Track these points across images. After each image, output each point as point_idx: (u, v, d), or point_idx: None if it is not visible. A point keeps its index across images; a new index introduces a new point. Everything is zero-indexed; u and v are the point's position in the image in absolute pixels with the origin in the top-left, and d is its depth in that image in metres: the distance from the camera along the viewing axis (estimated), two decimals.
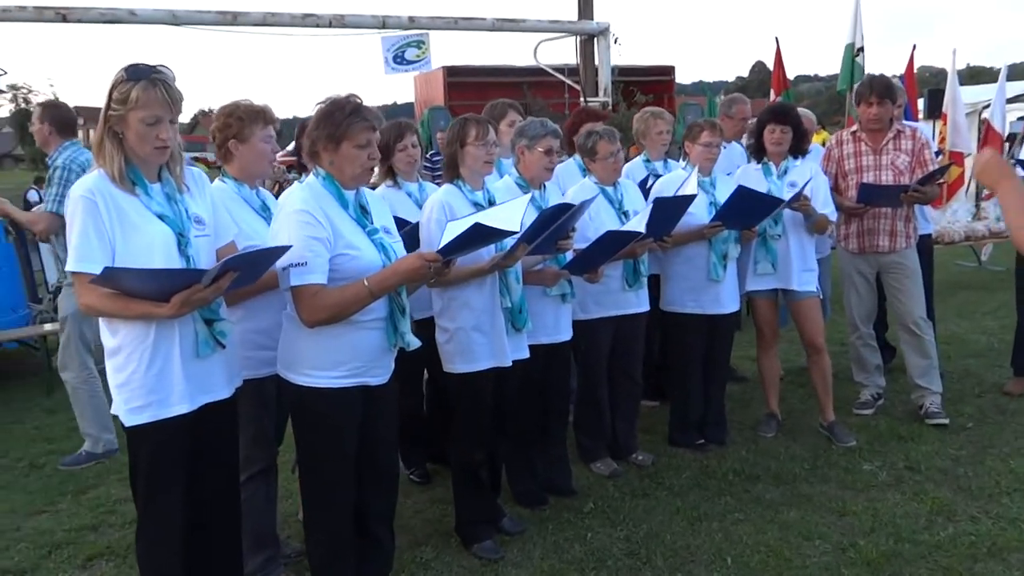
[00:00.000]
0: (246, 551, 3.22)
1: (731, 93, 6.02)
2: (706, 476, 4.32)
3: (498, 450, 3.74)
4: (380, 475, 3.02)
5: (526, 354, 3.59)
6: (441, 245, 2.70)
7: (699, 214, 4.44)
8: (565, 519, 3.89)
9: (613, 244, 3.76)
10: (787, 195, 4.46)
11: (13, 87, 32.63)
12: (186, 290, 2.39)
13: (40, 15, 6.15)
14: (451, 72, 19.08)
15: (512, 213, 2.83)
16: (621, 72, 18.23)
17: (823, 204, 4.65)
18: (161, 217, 2.55)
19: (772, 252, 4.66)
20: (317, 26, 7.02)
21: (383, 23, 7.22)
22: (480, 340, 3.40)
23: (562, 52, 9.30)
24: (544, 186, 3.91)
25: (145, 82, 2.46)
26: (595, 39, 8.14)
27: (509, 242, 3.23)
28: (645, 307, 4.42)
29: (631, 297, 4.34)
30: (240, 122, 3.14)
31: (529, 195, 2.99)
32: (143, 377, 2.53)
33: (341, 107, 2.70)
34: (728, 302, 4.60)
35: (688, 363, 4.67)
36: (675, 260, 4.58)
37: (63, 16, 6.19)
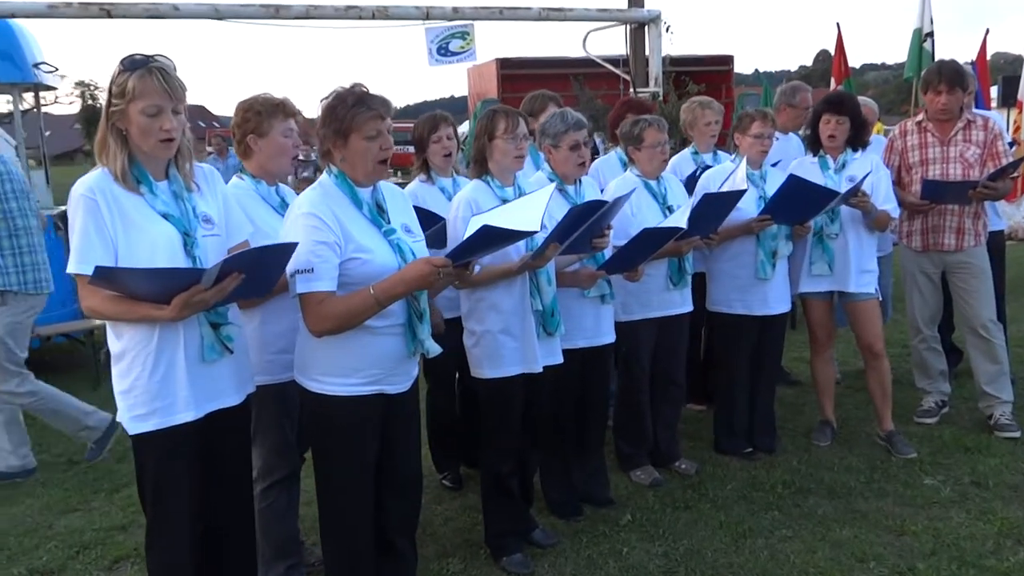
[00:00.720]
0: (269, 559, 3.15)
1: (792, 82, 5.69)
2: (753, 488, 4.08)
3: (530, 459, 3.57)
4: (402, 485, 2.87)
5: (559, 359, 3.41)
6: (450, 249, 2.54)
7: (747, 208, 4.19)
8: (600, 532, 3.70)
9: (651, 242, 3.55)
10: (845, 190, 4.18)
11: (81, 84, 33.57)
12: (186, 292, 2.27)
13: (85, 11, 6.18)
14: (504, 64, 18.92)
15: (532, 210, 2.65)
16: (676, 62, 17.93)
17: (884, 200, 4.35)
18: (166, 216, 2.44)
19: (829, 251, 4.37)
20: (360, 18, 6.91)
21: (427, 14, 7.08)
22: (509, 344, 3.23)
23: (614, 42, 9.06)
24: (579, 181, 3.72)
25: (142, 71, 2.35)
26: (646, 27, 7.86)
27: (541, 240, 3.06)
28: (689, 307, 4.20)
29: (675, 297, 4.12)
30: (258, 116, 3.02)
31: (551, 188, 2.79)
32: (147, 383, 2.42)
33: (344, 99, 2.55)
34: (777, 302, 4.34)
35: (734, 367, 4.43)
36: (721, 257, 4.34)
37: (107, 12, 6.20)
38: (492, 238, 2.60)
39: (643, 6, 7.89)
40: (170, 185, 2.51)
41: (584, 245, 3.22)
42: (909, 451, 4.35)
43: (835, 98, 4.52)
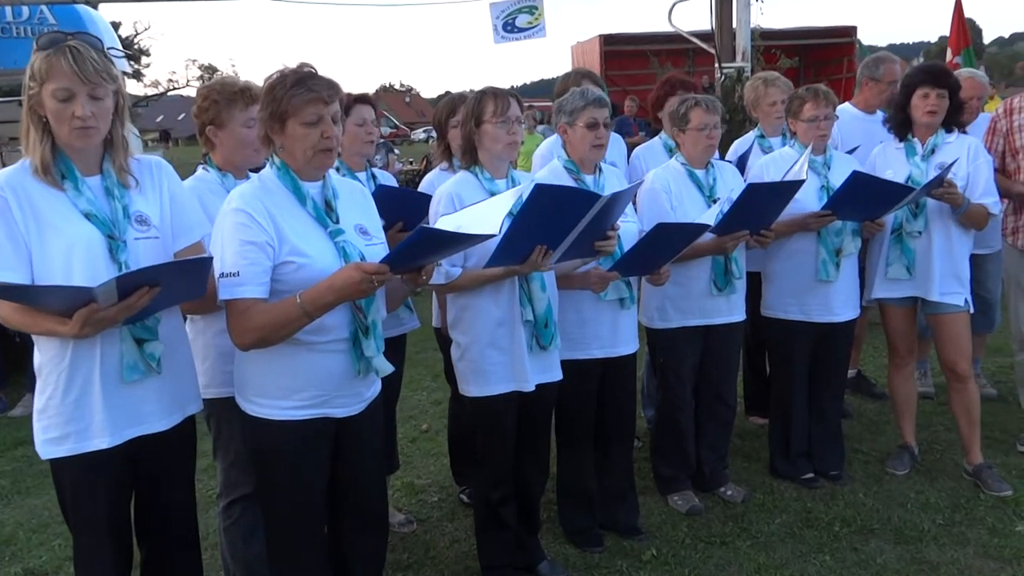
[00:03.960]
0: None
1: (877, 53, 4.98)
2: (805, 523, 3.53)
3: (534, 482, 3.18)
4: (363, 519, 2.55)
5: (557, 376, 2.99)
6: (389, 253, 2.17)
7: (806, 201, 3.61)
8: (617, 567, 3.27)
9: (671, 240, 3.07)
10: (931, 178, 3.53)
11: (206, 68, 34.97)
12: (85, 308, 2.00)
13: None
14: (608, 40, 18.38)
15: (498, 210, 2.25)
16: (788, 35, 16.84)
17: (983, 193, 3.66)
18: (89, 216, 2.18)
19: (909, 252, 3.72)
20: None
21: None
22: (496, 359, 2.84)
23: (703, 15, 8.39)
24: (599, 170, 3.26)
25: (52, 51, 2.09)
26: None
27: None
28: (739, 316, 3.68)
29: (720, 303, 3.61)
30: (216, 105, 2.71)
31: (515, 190, 2.38)
32: (60, 404, 2.18)
33: (284, 80, 2.23)
34: (842, 308, 3.75)
35: (791, 380, 3.87)
36: (776, 256, 3.78)
37: None
38: (440, 242, 2.23)
39: None
40: (103, 180, 2.25)
41: (585, 248, 2.77)
42: (1003, 488, 3.69)
43: (935, 68, 3.83)
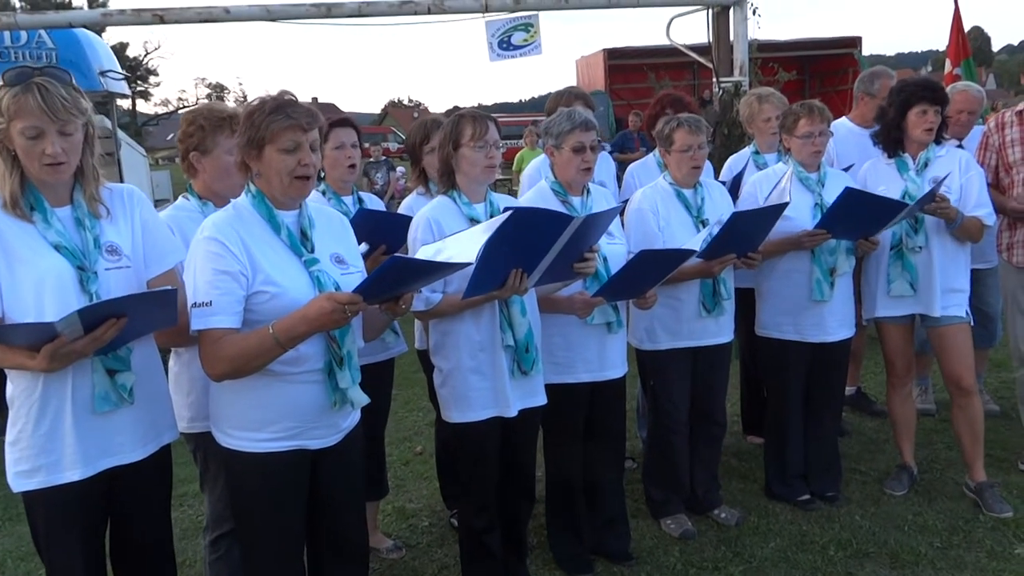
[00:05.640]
0: None
1: (873, 68, 4.94)
2: (800, 547, 3.47)
3: (521, 508, 3.13)
4: (341, 551, 2.51)
5: (541, 400, 2.95)
6: (360, 283, 2.14)
7: (800, 218, 3.57)
8: None
9: (656, 266, 3.03)
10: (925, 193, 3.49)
11: (215, 87, 35.21)
12: (52, 342, 1.99)
13: (138, 17, 6.17)
14: (612, 55, 18.43)
15: (471, 242, 2.23)
16: (796, 46, 16.81)
17: (976, 204, 3.62)
18: (59, 248, 2.17)
19: (911, 268, 3.66)
20: (416, 13, 6.59)
21: (486, 6, 6.68)
22: (478, 384, 2.81)
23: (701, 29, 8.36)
24: (587, 191, 3.24)
25: (19, 88, 2.08)
26: (730, 10, 7.17)
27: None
28: (727, 337, 3.63)
29: (709, 325, 3.56)
30: (201, 131, 2.70)
31: (493, 221, 2.34)
32: (31, 436, 2.17)
33: (262, 106, 2.21)
34: (836, 327, 3.69)
35: (786, 400, 3.82)
36: (770, 275, 3.74)
37: (160, 18, 6.17)
38: (414, 272, 2.20)
39: None
40: (73, 211, 2.24)
41: (564, 269, 2.74)
42: (1003, 509, 3.62)
43: (932, 84, 3.77)
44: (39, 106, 2.07)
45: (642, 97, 15.53)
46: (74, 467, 2.18)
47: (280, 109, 2.21)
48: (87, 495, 2.22)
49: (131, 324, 2.09)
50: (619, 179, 4.58)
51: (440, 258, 2.21)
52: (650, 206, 3.50)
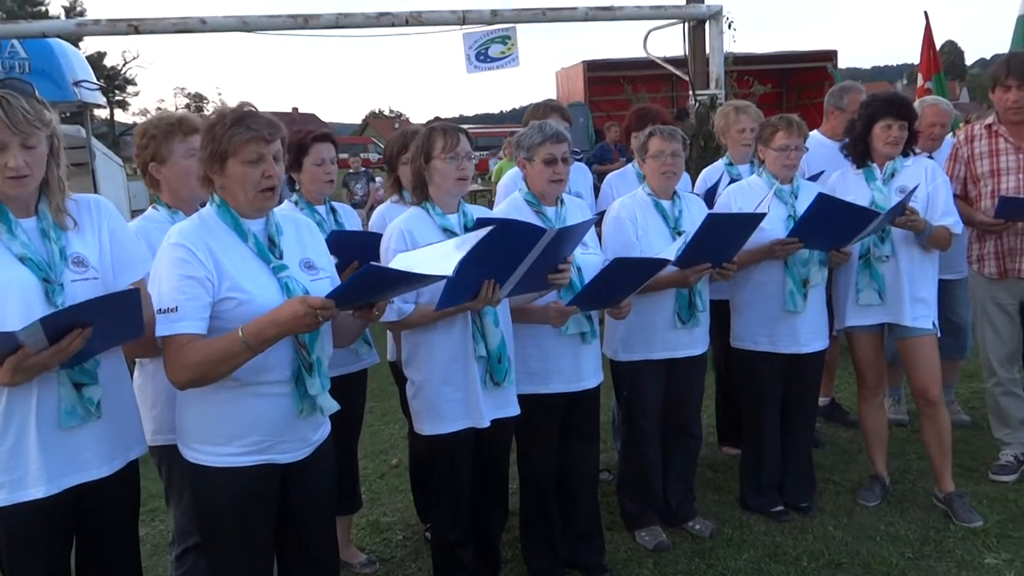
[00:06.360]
0: None
1: (843, 82, 5.01)
2: (773, 558, 3.48)
3: (493, 520, 3.12)
4: (311, 567, 2.49)
5: (514, 411, 2.95)
6: (334, 290, 2.13)
7: (773, 229, 3.59)
8: None
9: (630, 275, 3.04)
10: (893, 203, 3.54)
11: (194, 96, 35.04)
12: (14, 354, 1.96)
13: (113, 28, 6.14)
14: (591, 67, 18.51)
15: (455, 252, 2.23)
16: (773, 59, 16.99)
17: (943, 213, 3.68)
18: (23, 260, 2.14)
19: (878, 277, 3.71)
20: (393, 25, 6.62)
21: (463, 18, 6.72)
22: (451, 396, 2.80)
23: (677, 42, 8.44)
24: (561, 202, 3.25)
25: None
26: (706, 24, 7.25)
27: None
28: (702, 348, 3.65)
29: (684, 337, 3.57)
30: (155, 141, 2.69)
31: (471, 235, 2.35)
32: None
33: (222, 119, 2.21)
34: (810, 338, 3.72)
35: (761, 412, 3.83)
36: (744, 287, 3.76)
37: (135, 28, 6.13)
38: (388, 280, 2.20)
39: (702, 1, 7.27)
40: (39, 223, 2.21)
41: (538, 281, 2.74)
42: (973, 519, 3.65)
43: (898, 100, 3.83)
44: (1, 119, 2.05)
45: (622, 109, 15.55)
46: (38, 484, 2.14)
47: (241, 121, 2.20)
48: (52, 513, 2.17)
49: (97, 334, 2.06)
50: (598, 191, 4.61)
51: (417, 270, 2.21)
52: (628, 215, 3.51)
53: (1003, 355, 4.05)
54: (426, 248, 2.49)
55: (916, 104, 4.27)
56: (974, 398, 5.19)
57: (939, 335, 3.78)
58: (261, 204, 2.27)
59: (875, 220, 3.46)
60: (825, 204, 3.40)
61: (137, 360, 2.65)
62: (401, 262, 2.34)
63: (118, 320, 2.14)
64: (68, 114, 7.84)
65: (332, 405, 2.33)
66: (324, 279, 2.37)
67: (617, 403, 4.18)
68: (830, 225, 3.52)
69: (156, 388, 2.62)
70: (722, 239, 3.40)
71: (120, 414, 2.31)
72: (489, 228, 2.44)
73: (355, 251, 3.11)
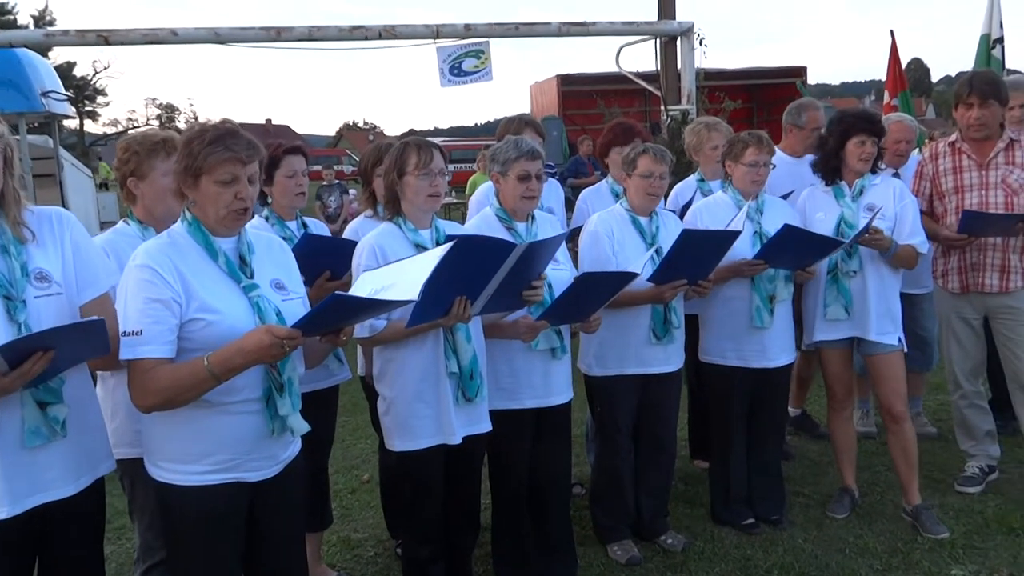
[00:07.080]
0: None
1: (800, 100, 5.09)
2: (744, 572, 3.50)
3: (464, 538, 3.11)
4: None
5: (486, 427, 2.95)
6: (300, 318, 2.11)
7: (740, 247, 3.60)
8: None
9: (599, 289, 3.06)
10: (864, 221, 3.59)
11: (165, 107, 34.72)
12: None
13: (82, 38, 6.10)
14: (565, 81, 18.62)
15: (419, 272, 2.23)
16: (743, 75, 17.22)
17: (910, 233, 3.73)
18: None
19: (845, 292, 3.76)
20: (366, 39, 6.63)
21: (437, 32, 6.74)
22: (422, 412, 2.80)
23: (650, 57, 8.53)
24: (532, 218, 3.26)
25: None
26: (677, 40, 7.33)
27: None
28: (676, 365, 3.67)
29: (658, 352, 3.59)
30: (137, 156, 2.67)
31: (438, 251, 2.35)
32: None
33: (201, 135, 2.18)
34: (778, 353, 3.76)
35: (730, 425, 3.86)
36: (712, 302, 3.78)
37: (105, 39, 6.09)
38: (354, 308, 2.18)
39: (674, 17, 7.35)
40: None
41: (511, 298, 2.75)
42: (940, 530, 3.70)
43: (871, 116, 3.91)
44: None
45: (595, 123, 15.66)
46: (0, 505, 2.11)
47: (220, 140, 2.18)
48: (14, 533, 2.13)
49: (60, 355, 2.03)
50: (572, 205, 4.63)
51: (382, 294, 2.19)
52: (605, 230, 3.53)
53: (968, 368, 4.12)
54: (394, 264, 2.48)
55: (882, 120, 4.35)
56: (941, 410, 5.27)
57: (906, 350, 3.84)
58: (231, 224, 2.26)
59: (838, 248, 3.53)
60: (790, 234, 3.44)
61: (99, 373, 2.61)
62: (368, 280, 2.33)
63: (83, 343, 2.11)
64: (36, 124, 7.75)
65: (303, 426, 2.31)
66: (295, 299, 2.36)
67: (591, 417, 4.19)
68: (795, 250, 3.58)
69: (116, 402, 2.59)
70: (697, 256, 3.42)
71: (87, 431, 2.27)
72: (453, 241, 2.44)
73: (327, 259, 3.10)
